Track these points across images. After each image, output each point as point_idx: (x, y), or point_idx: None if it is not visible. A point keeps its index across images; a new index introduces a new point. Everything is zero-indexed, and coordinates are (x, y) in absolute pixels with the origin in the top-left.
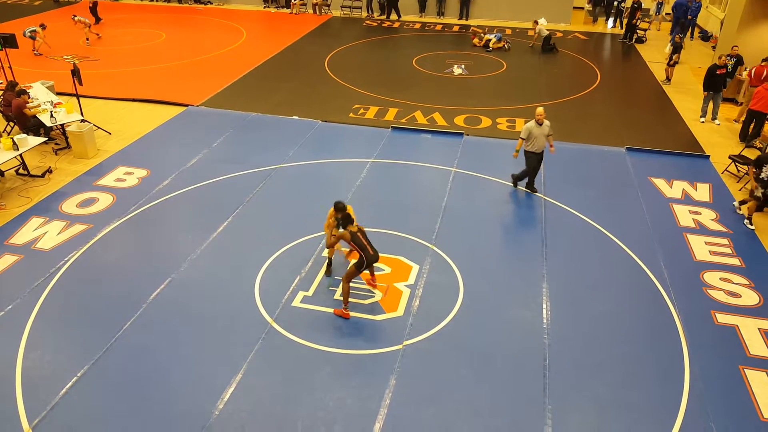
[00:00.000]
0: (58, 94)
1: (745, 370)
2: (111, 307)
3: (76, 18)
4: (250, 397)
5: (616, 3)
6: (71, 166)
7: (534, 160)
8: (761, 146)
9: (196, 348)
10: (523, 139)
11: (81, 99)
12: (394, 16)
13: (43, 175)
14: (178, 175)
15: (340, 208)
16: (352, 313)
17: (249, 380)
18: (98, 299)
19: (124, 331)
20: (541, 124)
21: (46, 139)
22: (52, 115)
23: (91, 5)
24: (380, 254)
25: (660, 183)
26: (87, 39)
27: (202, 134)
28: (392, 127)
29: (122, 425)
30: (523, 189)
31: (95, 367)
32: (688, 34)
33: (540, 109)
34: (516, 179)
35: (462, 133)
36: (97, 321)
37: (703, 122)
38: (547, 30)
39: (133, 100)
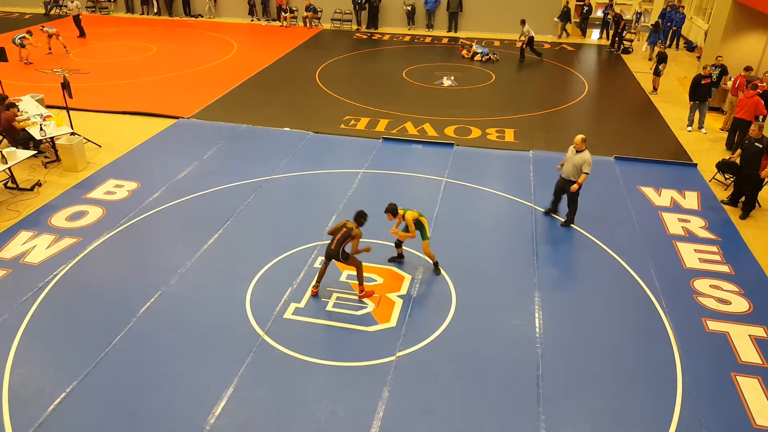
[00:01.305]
0: (48, 107)
1: (737, 377)
2: (100, 321)
3: (44, 29)
4: (242, 410)
5: (602, 15)
6: (61, 179)
7: (559, 181)
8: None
9: (186, 362)
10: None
11: (71, 112)
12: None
13: (32, 189)
14: (169, 187)
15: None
16: (344, 325)
17: (241, 394)
18: (87, 313)
19: (114, 346)
20: (578, 152)
21: (36, 152)
22: (41, 128)
23: (74, 18)
24: (373, 265)
25: (649, 191)
26: (50, 49)
27: (192, 146)
28: (383, 137)
29: None
30: (528, 204)
31: (84, 382)
32: (674, 44)
33: (578, 137)
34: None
35: (452, 144)
36: (86, 335)
37: (690, 131)
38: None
39: (124, 112)
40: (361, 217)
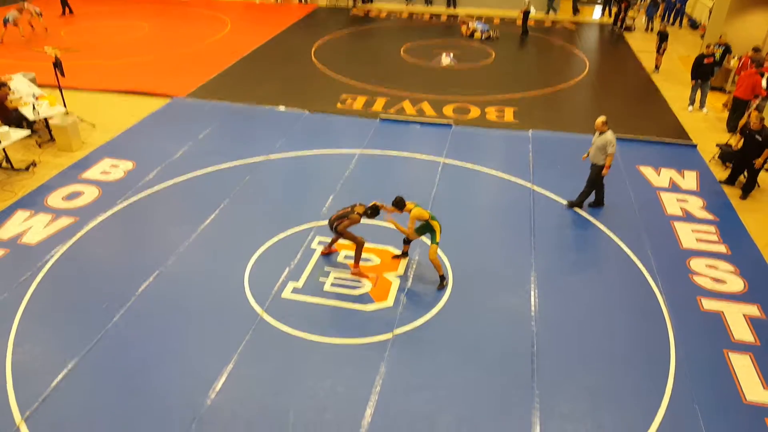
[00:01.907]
0: (40, 86)
1: (729, 354)
2: (99, 300)
3: (26, 5)
4: (242, 387)
5: None
6: (55, 159)
7: (591, 170)
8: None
9: (186, 340)
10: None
11: (63, 91)
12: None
13: (27, 169)
14: (164, 167)
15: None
16: (341, 304)
17: (240, 371)
18: (86, 293)
19: (113, 324)
20: (600, 134)
21: (30, 132)
22: (34, 108)
23: None
24: (371, 244)
25: (648, 171)
26: (32, 27)
27: (187, 126)
28: (380, 117)
29: (114, 417)
30: (527, 185)
31: (85, 360)
32: (677, 22)
33: (599, 119)
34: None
35: (450, 124)
36: (86, 315)
37: (691, 111)
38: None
39: (118, 92)
40: (371, 210)
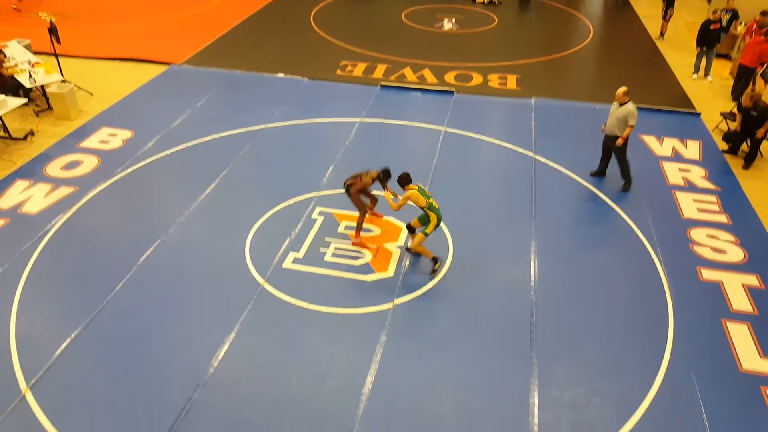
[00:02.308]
0: (36, 53)
1: (727, 323)
2: (101, 270)
3: None
4: (244, 355)
5: None
6: (53, 128)
7: (604, 139)
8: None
9: (188, 309)
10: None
11: (60, 58)
12: None
13: (25, 138)
14: (163, 136)
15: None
16: (342, 274)
17: (242, 339)
18: (87, 262)
19: (115, 294)
20: (621, 105)
21: (26, 100)
22: (30, 76)
23: None
24: (371, 216)
25: (650, 140)
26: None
27: (185, 94)
28: (381, 85)
29: (118, 385)
30: (529, 154)
31: (88, 328)
32: None
33: (619, 90)
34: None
35: (452, 91)
36: (88, 284)
37: (695, 78)
38: None
39: (114, 59)
40: (383, 173)
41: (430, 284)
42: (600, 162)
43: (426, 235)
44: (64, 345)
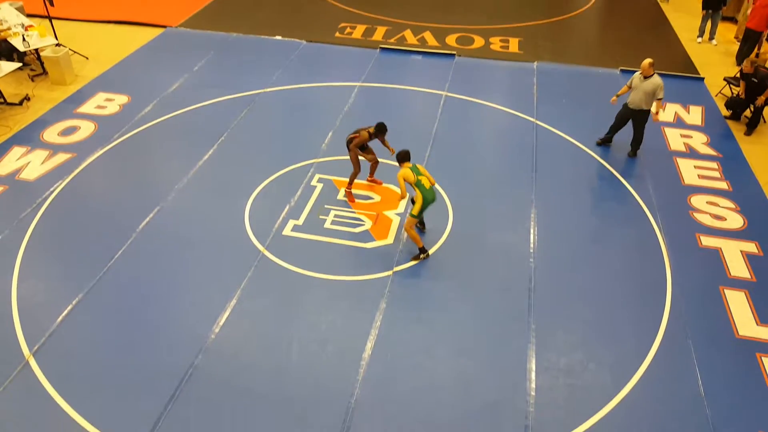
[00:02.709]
0: (28, 16)
1: (725, 290)
2: (101, 236)
3: None
4: (245, 321)
5: None
6: (49, 93)
7: (623, 111)
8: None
9: (189, 275)
10: (628, 87)
11: (53, 21)
12: None
13: (20, 103)
14: (160, 101)
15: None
16: (342, 241)
17: (243, 306)
18: (87, 229)
19: (116, 261)
20: (646, 78)
21: (21, 64)
22: (24, 39)
23: None
24: (371, 184)
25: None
26: None
27: (182, 57)
28: (380, 48)
29: (120, 351)
30: (530, 119)
31: (89, 295)
32: None
33: (645, 62)
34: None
35: (453, 54)
36: (88, 250)
37: (700, 42)
38: None
39: (109, 21)
40: (377, 128)
41: (430, 251)
42: (609, 131)
43: (414, 217)
44: (65, 311)
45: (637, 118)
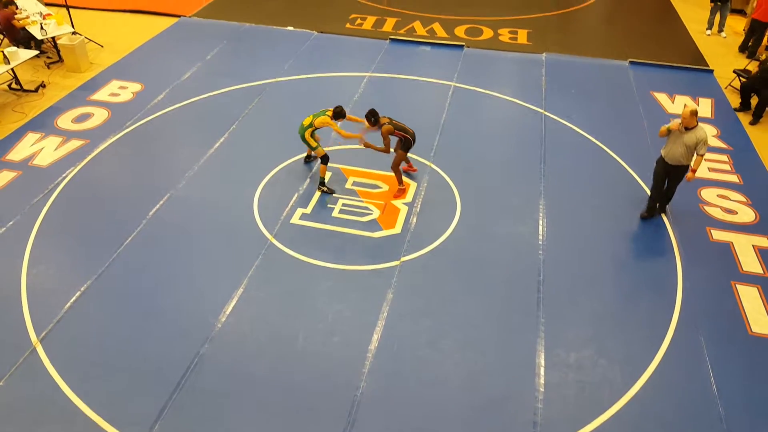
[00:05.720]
0: (47, 5)
1: (737, 285)
2: (111, 223)
3: None
4: (252, 309)
5: None
6: (64, 81)
7: (659, 168)
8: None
9: (197, 263)
10: (666, 131)
11: (70, 10)
12: None
13: (36, 90)
14: (173, 89)
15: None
16: (350, 231)
17: (250, 294)
18: (98, 215)
19: (125, 247)
20: (687, 129)
21: (38, 52)
22: (42, 27)
23: None
24: (379, 173)
25: (662, 98)
26: None
27: (195, 46)
28: (390, 38)
29: (127, 338)
30: (539, 110)
31: (98, 281)
32: None
33: (686, 110)
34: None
35: (462, 46)
36: (98, 237)
37: (708, 35)
38: None
39: (125, 10)
40: (369, 113)
41: (438, 242)
42: (651, 197)
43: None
44: (74, 298)
45: (675, 175)
